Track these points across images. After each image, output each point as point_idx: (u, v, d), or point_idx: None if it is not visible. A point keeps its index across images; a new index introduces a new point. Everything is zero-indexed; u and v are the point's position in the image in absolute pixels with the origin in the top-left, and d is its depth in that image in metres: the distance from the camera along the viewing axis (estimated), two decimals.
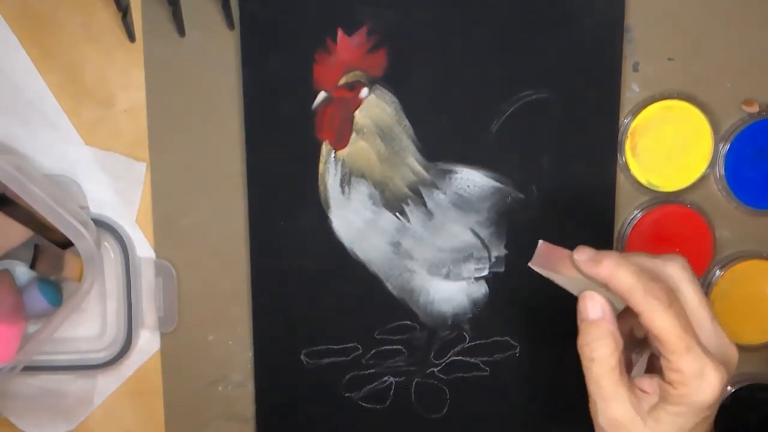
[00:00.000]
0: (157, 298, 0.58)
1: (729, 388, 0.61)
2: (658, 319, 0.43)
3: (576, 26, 0.56)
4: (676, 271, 0.45)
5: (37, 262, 0.54)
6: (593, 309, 0.45)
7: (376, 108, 0.56)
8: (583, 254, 0.45)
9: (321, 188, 0.57)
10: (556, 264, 0.47)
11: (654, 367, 0.46)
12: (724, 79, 0.58)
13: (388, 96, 0.56)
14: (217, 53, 0.56)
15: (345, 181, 0.57)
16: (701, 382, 0.43)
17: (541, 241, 0.47)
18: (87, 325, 0.59)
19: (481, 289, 0.59)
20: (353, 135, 0.56)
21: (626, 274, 0.44)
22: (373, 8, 0.55)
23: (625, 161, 0.58)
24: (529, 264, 0.47)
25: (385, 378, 0.60)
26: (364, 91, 0.56)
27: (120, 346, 0.58)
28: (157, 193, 0.57)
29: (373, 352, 0.59)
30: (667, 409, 0.44)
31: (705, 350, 0.43)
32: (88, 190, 0.57)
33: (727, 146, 0.58)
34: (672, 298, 0.43)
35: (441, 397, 0.60)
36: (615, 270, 0.44)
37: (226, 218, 0.58)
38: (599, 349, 0.45)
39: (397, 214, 0.57)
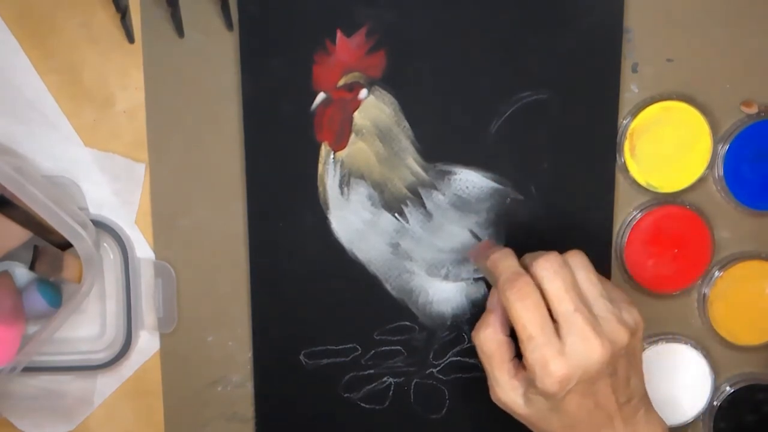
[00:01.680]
0: (157, 299, 0.58)
1: (728, 388, 0.61)
2: (510, 310, 0.48)
3: (575, 27, 0.56)
4: (537, 269, 0.49)
5: (37, 264, 0.55)
6: (490, 301, 0.52)
7: (375, 109, 0.56)
8: (491, 251, 0.52)
9: (320, 189, 0.57)
10: (482, 258, 0.53)
11: None
12: (723, 80, 0.58)
13: (387, 97, 0.56)
14: (216, 54, 0.56)
15: (344, 182, 0.57)
16: (542, 372, 0.47)
17: (486, 239, 0.56)
18: (86, 325, 0.59)
19: (480, 290, 0.59)
20: (352, 136, 0.56)
21: (500, 269, 0.50)
22: (372, 9, 0.55)
23: (624, 162, 0.58)
24: (467, 253, 0.56)
25: (385, 378, 0.60)
26: (363, 92, 0.56)
27: (119, 347, 0.58)
28: (157, 194, 0.57)
29: (372, 352, 0.59)
30: (530, 389, 0.49)
31: (549, 342, 0.47)
32: (87, 191, 0.57)
33: (726, 147, 0.58)
34: (526, 293, 0.48)
35: (440, 397, 0.60)
36: (493, 264, 0.51)
37: (225, 219, 0.58)
38: (479, 337, 0.51)
39: (396, 215, 0.57)
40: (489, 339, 0.51)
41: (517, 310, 0.48)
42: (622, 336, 0.48)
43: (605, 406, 0.49)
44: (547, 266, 0.49)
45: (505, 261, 0.50)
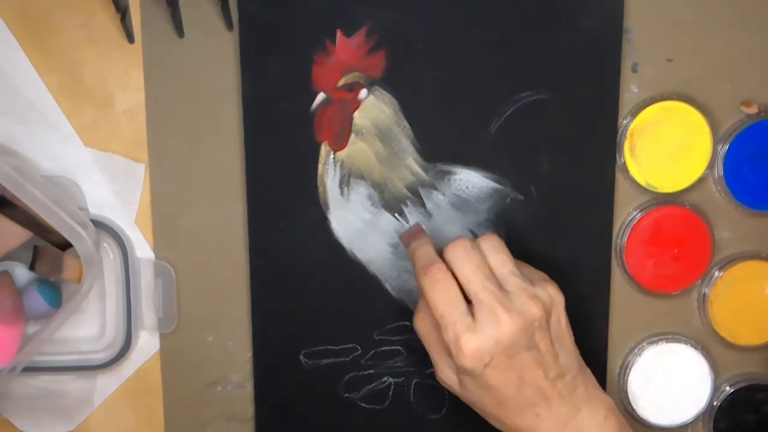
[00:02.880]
0: (157, 299, 0.58)
1: (728, 388, 0.61)
2: (425, 295, 0.51)
3: (575, 27, 0.56)
4: (448, 254, 0.51)
5: (37, 264, 0.55)
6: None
7: (375, 109, 0.56)
8: (415, 238, 0.54)
9: (320, 189, 0.57)
10: (408, 240, 0.55)
11: None
12: (723, 80, 0.58)
13: (387, 97, 0.56)
14: (216, 54, 0.56)
15: (344, 182, 0.57)
16: (456, 349, 0.50)
17: (417, 222, 0.57)
18: (86, 325, 0.59)
19: None
20: (352, 136, 0.56)
21: (416, 257, 0.53)
22: (372, 9, 0.55)
23: (624, 162, 0.58)
24: (399, 236, 0.57)
25: (384, 378, 0.60)
26: (363, 92, 0.56)
27: (119, 347, 0.58)
28: (157, 194, 0.57)
29: (372, 352, 0.59)
30: (458, 370, 0.51)
31: (460, 320, 0.50)
32: (87, 191, 0.57)
33: (726, 147, 0.58)
34: (438, 278, 0.51)
35: (440, 397, 0.60)
36: (412, 253, 0.53)
37: (225, 219, 0.58)
38: (415, 322, 0.54)
39: (396, 215, 0.57)
40: (421, 322, 0.53)
41: (430, 294, 0.50)
42: (533, 309, 0.50)
43: (534, 382, 0.50)
44: (456, 250, 0.51)
45: (421, 249, 0.53)
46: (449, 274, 0.51)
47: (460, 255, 0.51)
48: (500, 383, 0.50)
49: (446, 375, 0.53)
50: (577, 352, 0.53)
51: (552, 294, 0.51)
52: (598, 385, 0.54)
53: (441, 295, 0.50)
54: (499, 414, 0.52)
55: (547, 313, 0.51)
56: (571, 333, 0.53)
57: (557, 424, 0.51)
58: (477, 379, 0.50)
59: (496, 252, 0.52)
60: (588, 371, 0.54)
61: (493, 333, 0.49)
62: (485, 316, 0.49)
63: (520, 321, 0.49)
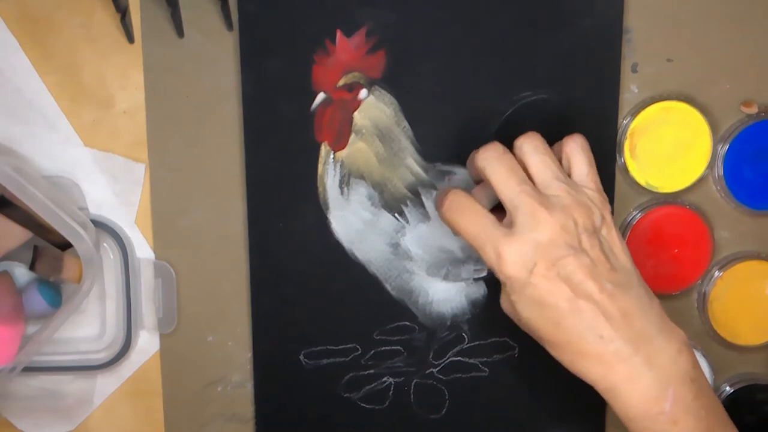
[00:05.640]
0: (157, 299, 0.58)
1: (728, 388, 0.61)
2: (450, 226, 0.50)
3: (575, 27, 0.56)
4: (478, 160, 0.49)
5: (37, 264, 0.55)
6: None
7: (375, 109, 0.56)
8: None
9: (320, 189, 0.57)
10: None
11: None
12: (723, 80, 0.58)
13: (387, 97, 0.56)
14: (216, 54, 0.56)
15: (344, 182, 0.57)
16: (498, 261, 0.47)
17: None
18: (86, 325, 0.59)
19: (479, 290, 0.59)
20: (352, 136, 0.56)
21: (435, 198, 0.52)
22: (372, 9, 0.55)
23: (624, 162, 0.58)
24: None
25: (384, 378, 0.60)
26: (363, 92, 0.56)
27: (119, 347, 0.58)
28: (157, 194, 0.57)
29: (372, 352, 0.59)
30: (509, 293, 0.48)
31: (494, 232, 0.47)
32: (87, 191, 0.57)
33: (726, 147, 0.58)
34: (457, 203, 0.49)
35: (440, 397, 0.60)
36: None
37: (225, 219, 0.58)
38: None
39: (396, 215, 0.57)
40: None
41: (454, 221, 0.48)
42: (576, 211, 0.46)
43: (588, 295, 0.46)
44: (487, 155, 0.49)
45: (436, 193, 0.52)
46: (464, 194, 0.49)
47: (492, 159, 0.48)
48: (550, 295, 0.46)
49: (504, 302, 0.49)
50: (639, 273, 0.48)
51: (596, 200, 0.48)
52: (666, 316, 0.48)
53: (464, 216, 0.48)
54: (559, 338, 0.47)
55: (594, 223, 0.47)
56: (626, 249, 0.48)
57: (626, 349, 0.46)
58: (526, 293, 0.46)
59: (537, 154, 0.48)
60: (656, 300, 0.48)
61: (533, 234, 0.46)
62: (524, 220, 0.46)
63: (562, 219, 0.46)
